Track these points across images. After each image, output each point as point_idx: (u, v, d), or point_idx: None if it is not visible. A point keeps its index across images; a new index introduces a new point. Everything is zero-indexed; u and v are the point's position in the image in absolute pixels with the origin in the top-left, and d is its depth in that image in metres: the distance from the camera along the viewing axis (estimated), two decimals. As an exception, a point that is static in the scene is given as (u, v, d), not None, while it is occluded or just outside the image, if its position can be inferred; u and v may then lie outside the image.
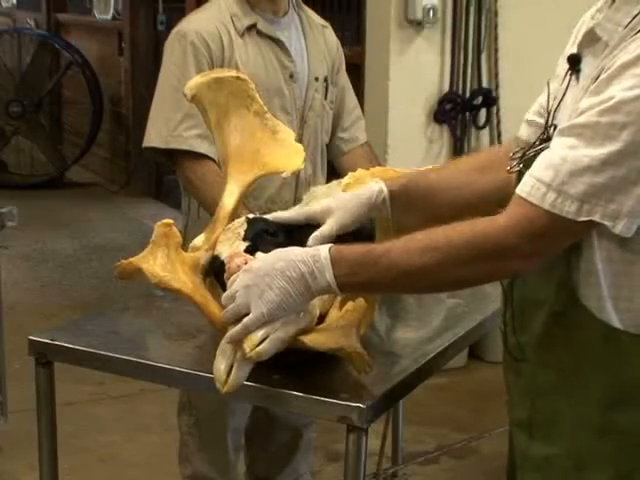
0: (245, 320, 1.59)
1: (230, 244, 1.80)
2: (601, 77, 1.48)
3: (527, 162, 1.61)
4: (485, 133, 4.58)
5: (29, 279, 5.78)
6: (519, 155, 1.67)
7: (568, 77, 1.63)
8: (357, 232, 1.83)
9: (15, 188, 7.69)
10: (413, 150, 4.36)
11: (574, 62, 1.61)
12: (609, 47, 1.52)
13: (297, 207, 1.89)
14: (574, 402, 1.61)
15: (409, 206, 1.86)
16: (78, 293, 5.59)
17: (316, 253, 1.59)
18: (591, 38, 1.57)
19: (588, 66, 1.58)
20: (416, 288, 1.71)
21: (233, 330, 1.60)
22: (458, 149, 4.51)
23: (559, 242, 1.54)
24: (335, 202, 1.83)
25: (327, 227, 1.79)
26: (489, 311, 2.12)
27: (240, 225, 1.83)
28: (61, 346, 1.91)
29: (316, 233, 1.78)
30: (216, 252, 1.82)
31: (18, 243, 6.12)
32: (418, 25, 4.34)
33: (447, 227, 1.58)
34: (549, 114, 1.66)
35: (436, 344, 1.94)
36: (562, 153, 1.48)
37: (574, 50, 1.62)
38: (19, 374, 3.64)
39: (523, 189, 1.51)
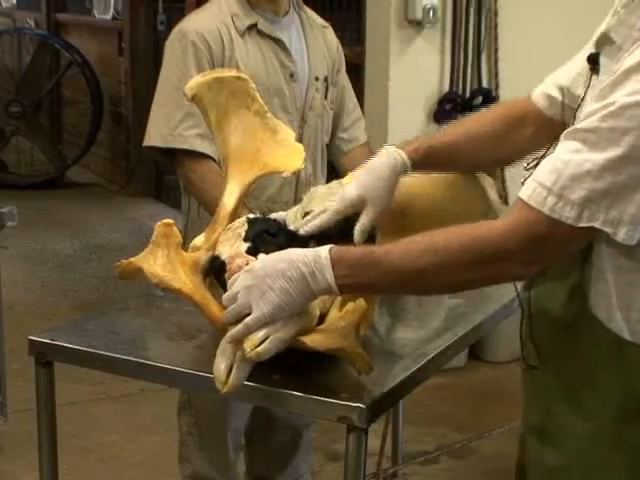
0: (246, 320, 1.58)
1: (230, 244, 1.80)
2: (607, 81, 1.46)
3: None
4: (485, 133, 4.58)
5: (29, 279, 5.78)
6: (534, 164, 1.65)
7: (589, 77, 1.61)
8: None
9: (15, 188, 7.68)
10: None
11: (593, 61, 1.60)
12: (622, 50, 1.50)
13: (330, 212, 1.82)
14: (585, 413, 1.60)
15: (429, 171, 1.88)
16: (78, 293, 5.59)
17: (317, 254, 1.58)
18: (606, 40, 1.56)
19: (603, 67, 1.57)
20: (415, 290, 1.71)
21: (234, 330, 1.60)
22: (458, 149, 4.51)
23: (560, 248, 1.52)
24: (364, 189, 1.80)
25: (367, 217, 1.78)
26: (489, 311, 2.12)
27: (240, 225, 1.83)
28: (61, 346, 1.91)
29: (360, 226, 1.77)
30: (216, 252, 1.82)
31: (18, 243, 6.12)
32: (418, 25, 4.34)
33: (448, 230, 1.57)
34: (574, 119, 1.62)
35: (436, 344, 1.94)
36: (565, 157, 1.46)
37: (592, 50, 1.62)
38: (19, 374, 3.65)
39: (525, 192, 1.49)
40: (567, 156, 1.46)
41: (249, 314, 1.59)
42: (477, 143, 1.87)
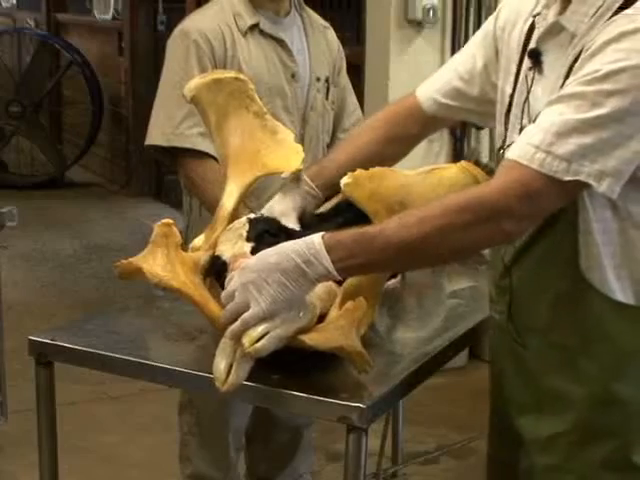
0: (244, 315, 1.58)
1: (232, 244, 1.80)
2: (582, 57, 1.57)
3: None
4: (485, 133, 4.58)
5: (29, 279, 5.78)
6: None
7: (531, 72, 1.71)
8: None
9: (15, 188, 7.69)
10: (413, 150, 4.36)
11: (535, 56, 1.70)
12: (577, 36, 1.62)
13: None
14: (581, 379, 1.67)
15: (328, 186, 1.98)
16: (78, 293, 5.59)
17: (309, 241, 1.60)
18: (554, 31, 1.67)
19: (553, 57, 1.67)
20: (415, 262, 1.72)
21: (233, 326, 1.60)
22: (458, 149, 4.52)
23: (552, 202, 1.58)
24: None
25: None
26: (489, 311, 2.12)
27: (242, 226, 1.83)
28: (61, 346, 1.91)
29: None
30: (217, 252, 1.82)
31: (18, 243, 6.12)
32: (418, 25, 4.34)
33: (440, 199, 1.63)
34: (522, 111, 1.72)
35: (436, 344, 1.94)
36: (550, 119, 1.55)
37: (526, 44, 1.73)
38: (19, 374, 3.64)
39: (513, 152, 1.57)
40: (552, 117, 1.55)
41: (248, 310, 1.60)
42: (370, 146, 2.00)
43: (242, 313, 1.59)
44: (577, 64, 1.58)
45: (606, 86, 1.51)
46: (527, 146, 1.55)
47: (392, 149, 2.01)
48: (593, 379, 1.66)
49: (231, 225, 1.86)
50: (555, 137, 1.53)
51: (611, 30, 1.54)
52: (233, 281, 1.63)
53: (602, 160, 1.52)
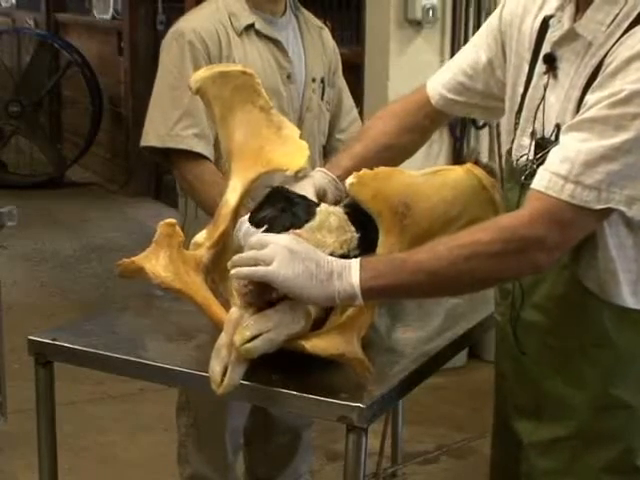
0: (259, 267, 1.57)
1: (337, 236, 1.76)
2: (604, 72, 1.55)
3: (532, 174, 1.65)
4: (485, 133, 4.59)
5: (29, 279, 5.78)
6: (528, 172, 1.71)
7: (545, 76, 1.69)
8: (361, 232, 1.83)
9: (15, 188, 7.68)
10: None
11: (550, 61, 1.68)
12: (594, 45, 1.59)
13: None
14: (581, 384, 1.67)
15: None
16: (78, 293, 5.59)
17: (348, 260, 1.61)
18: (569, 37, 1.64)
19: (568, 63, 1.65)
20: (444, 288, 1.69)
21: (240, 269, 1.58)
22: (457, 149, 4.51)
23: (581, 231, 1.59)
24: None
25: None
26: (489, 311, 2.12)
27: (350, 238, 1.79)
28: (61, 346, 1.91)
29: None
30: (322, 205, 1.81)
31: (18, 243, 6.12)
32: (418, 25, 4.35)
33: (470, 228, 1.63)
34: (534, 116, 1.71)
35: (436, 344, 1.94)
36: (575, 146, 1.54)
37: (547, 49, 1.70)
38: (19, 374, 3.64)
39: (540, 184, 1.56)
40: (576, 145, 1.53)
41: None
42: (385, 137, 1.99)
43: (258, 265, 1.57)
44: (597, 81, 1.56)
45: (630, 109, 1.50)
46: (554, 177, 1.55)
47: (406, 139, 2.00)
48: (594, 384, 1.66)
49: (345, 223, 1.81)
50: (583, 167, 1.52)
51: (632, 45, 1.53)
52: (277, 237, 1.62)
53: (631, 185, 1.53)
